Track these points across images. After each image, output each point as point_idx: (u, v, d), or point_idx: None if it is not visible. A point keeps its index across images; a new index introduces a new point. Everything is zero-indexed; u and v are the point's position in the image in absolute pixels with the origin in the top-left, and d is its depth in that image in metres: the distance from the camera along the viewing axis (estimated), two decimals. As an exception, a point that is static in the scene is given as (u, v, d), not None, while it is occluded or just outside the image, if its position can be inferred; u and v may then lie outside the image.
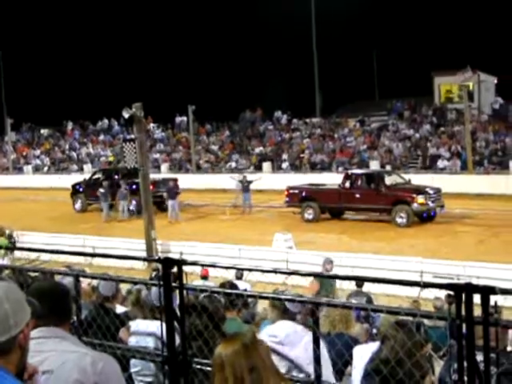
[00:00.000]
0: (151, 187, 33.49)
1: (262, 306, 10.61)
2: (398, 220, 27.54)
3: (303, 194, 30.46)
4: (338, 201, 29.27)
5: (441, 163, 39.00)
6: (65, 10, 63.39)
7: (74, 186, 37.58)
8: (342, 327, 6.03)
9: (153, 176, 36.71)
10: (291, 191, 30.86)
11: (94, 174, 38.92)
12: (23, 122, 60.87)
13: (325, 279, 11.74)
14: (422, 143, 41.58)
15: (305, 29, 51.34)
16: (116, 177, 35.95)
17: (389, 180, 29.42)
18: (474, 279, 13.39)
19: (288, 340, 4.76)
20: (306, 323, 5.17)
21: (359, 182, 29.36)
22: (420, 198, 27.59)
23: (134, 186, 31.94)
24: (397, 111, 47.33)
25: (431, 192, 28.24)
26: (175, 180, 35.03)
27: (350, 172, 31.64)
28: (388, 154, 41.13)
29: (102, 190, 33.57)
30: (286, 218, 30.45)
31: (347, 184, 29.50)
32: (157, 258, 4.65)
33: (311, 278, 11.17)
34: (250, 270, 5.10)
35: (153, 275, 11.28)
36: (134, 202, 32.92)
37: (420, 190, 28.30)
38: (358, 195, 28.83)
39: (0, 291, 2.29)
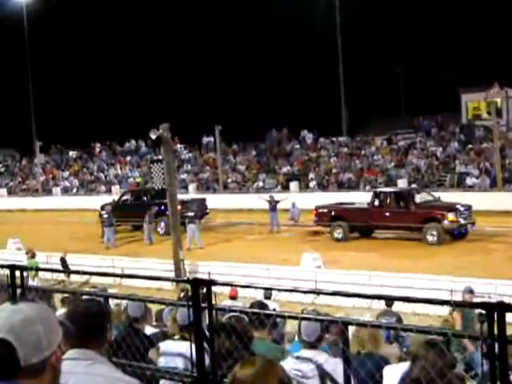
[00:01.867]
0: (179, 207, 33.70)
1: (291, 326, 10.60)
2: (429, 238, 27.25)
3: (332, 213, 30.34)
4: (367, 219, 29.07)
5: (469, 181, 38.69)
6: (93, 33, 64.20)
7: (102, 208, 37.86)
8: (372, 347, 5.99)
9: (181, 196, 37.04)
10: (320, 210, 30.78)
11: (123, 195, 39.16)
12: (52, 144, 61.56)
13: (466, 310, 10.92)
14: (450, 161, 41.32)
15: (330, 47, 51.43)
16: (145, 198, 36.12)
17: (418, 198, 29.23)
18: (505, 298, 13.20)
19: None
20: (336, 343, 5.14)
21: (388, 201, 29.20)
22: (451, 216, 27.34)
23: (163, 207, 31.96)
24: (424, 129, 47.12)
25: (462, 209, 28.02)
26: (203, 200, 35.13)
27: (378, 190, 31.56)
28: (416, 172, 40.91)
29: (104, 215, 32.91)
30: (314, 237, 30.38)
31: (376, 202, 29.41)
32: (186, 278, 4.66)
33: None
34: (280, 290, 5.09)
35: (181, 295, 11.31)
36: (162, 224, 33.01)
37: (451, 208, 28.06)
38: (387, 213, 28.63)
39: (33, 312, 2.31)
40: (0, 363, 2.24)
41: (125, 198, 37.88)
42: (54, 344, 2.34)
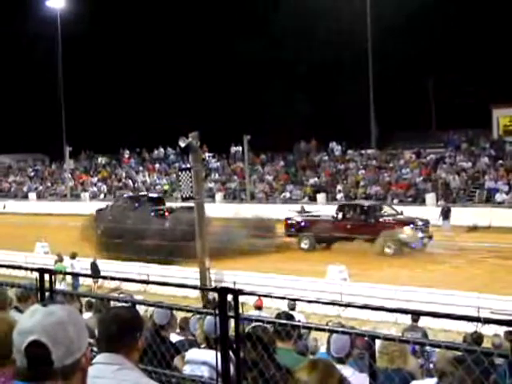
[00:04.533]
0: (166, 214, 34.07)
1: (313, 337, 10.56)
2: (387, 250, 28.33)
3: (300, 224, 32.10)
4: (331, 231, 30.58)
5: (499, 197, 38.34)
6: (123, 40, 64.69)
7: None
8: (400, 362, 5.94)
9: (169, 204, 37.26)
10: (289, 222, 32.55)
11: (117, 200, 39.23)
12: (82, 149, 62.06)
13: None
14: (480, 176, 40.98)
15: (360, 57, 51.31)
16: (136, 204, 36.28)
17: (380, 212, 31.30)
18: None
19: None
20: (362, 357, 5.11)
21: (350, 214, 31.08)
22: (407, 230, 28.91)
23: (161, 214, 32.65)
24: (454, 143, 46.79)
25: (420, 223, 29.60)
26: (192, 208, 35.34)
27: (342, 204, 34.22)
28: (444, 187, 40.61)
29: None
30: (341, 249, 30.25)
31: (340, 215, 31.14)
32: (214, 287, 4.67)
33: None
34: (310, 301, 5.08)
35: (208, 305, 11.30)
36: None
37: (408, 222, 29.73)
38: (348, 226, 30.24)
39: (64, 314, 2.33)
40: (35, 365, 2.26)
41: (120, 203, 37.96)
42: (84, 346, 2.36)
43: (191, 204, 37.15)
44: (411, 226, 29.26)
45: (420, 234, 29.03)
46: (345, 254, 28.31)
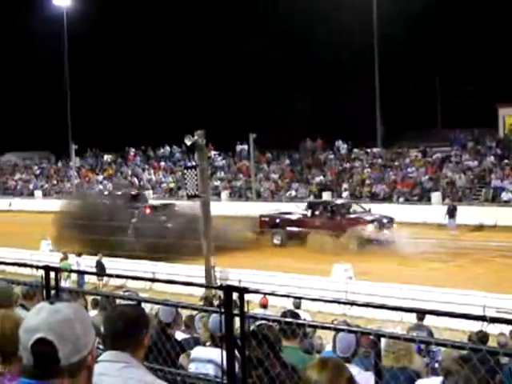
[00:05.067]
0: (148, 211, 34.51)
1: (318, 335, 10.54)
2: (351, 246, 29.51)
3: (273, 221, 33.57)
4: (301, 228, 32.27)
5: (505, 196, 38.26)
6: (129, 39, 64.73)
7: None
8: (407, 361, 5.93)
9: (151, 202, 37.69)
10: (263, 219, 33.90)
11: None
12: (87, 147, 62.13)
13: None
14: (486, 175, 40.88)
15: (366, 56, 51.21)
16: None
17: (347, 209, 32.90)
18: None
19: None
20: (367, 356, 5.10)
21: (319, 211, 32.76)
22: (370, 227, 30.68)
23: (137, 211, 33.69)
24: (460, 142, 46.68)
25: (385, 221, 31.33)
26: (173, 205, 35.76)
27: (311, 201, 36.41)
28: (450, 186, 40.53)
29: None
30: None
31: (309, 213, 32.99)
32: (219, 285, 4.67)
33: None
34: (314, 299, 5.08)
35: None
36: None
37: (371, 220, 31.34)
38: (317, 223, 31.89)
39: (71, 312, 2.33)
40: (42, 362, 2.26)
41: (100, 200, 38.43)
42: (90, 344, 2.36)
43: (172, 201, 38.04)
44: (375, 223, 30.92)
45: (384, 231, 30.53)
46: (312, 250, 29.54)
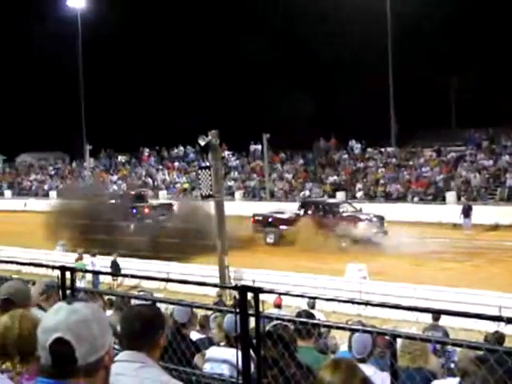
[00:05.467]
0: (146, 211, 34.87)
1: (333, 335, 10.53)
2: (342, 244, 30.09)
3: (266, 220, 34.11)
4: (293, 226, 32.65)
5: (520, 195, 38.09)
6: (143, 40, 64.91)
7: None
8: (422, 362, 5.91)
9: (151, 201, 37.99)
10: (256, 218, 34.55)
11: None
12: (102, 148, 62.37)
13: None
14: (501, 174, 40.66)
15: (380, 55, 51.09)
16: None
17: (339, 209, 33.39)
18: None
19: None
20: (382, 356, 5.08)
21: (311, 210, 33.36)
22: (361, 225, 31.20)
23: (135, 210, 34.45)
24: (474, 141, 46.48)
25: (375, 220, 31.80)
26: (171, 205, 36.03)
27: (303, 201, 37.10)
28: (465, 185, 40.35)
29: None
30: (363, 248, 30.16)
31: (301, 212, 33.55)
32: (234, 285, 4.67)
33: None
34: (329, 299, 5.07)
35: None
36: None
37: (362, 218, 31.96)
38: (309, 221, 32.25)
39: (88, 312, 2.34)
40: (59, 362, 2.27)
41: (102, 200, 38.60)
42: (107, 344, 2.37)
43: (171, 202, 38.31)
44: (365, 222, 31.51)
45: (374, 230, 30.96)
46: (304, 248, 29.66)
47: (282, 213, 34.74)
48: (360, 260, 25.02)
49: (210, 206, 30.03)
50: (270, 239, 33.29)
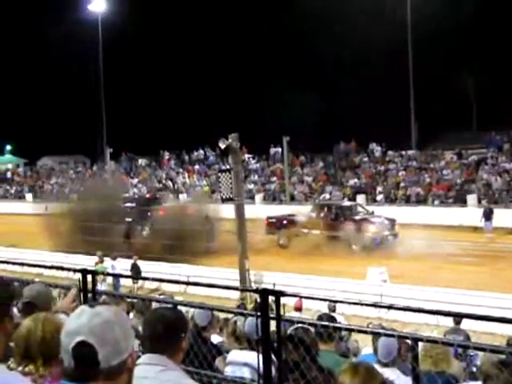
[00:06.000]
0: (161, 213, 35.14)
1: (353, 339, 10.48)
2: (354, 246, 30.79)
3: (279, 222, 34.52)
4: (306, 229, 33.06)
5: (542, 198, 37.75)
6: (164, 43, 65.18)
7: None
8: (445, 366, 5.87)
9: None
10: (270, 220, 35.01)
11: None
12: (122, 151, 62.66)
13: None
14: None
15: (401, 58, 50.91)
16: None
17: (351, 211, 33.70)
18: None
19: None
20: (404, 359, 5.06)
21: (323, 213, 33.60)
22: (372, 228, 31.57)
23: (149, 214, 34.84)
24: (496, 144, 46.15)
25: (386, 222, 31.98)
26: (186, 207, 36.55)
27: (316, 203, 37.60)
28: (486, 188, 40.08)
29: None
30: (376, 251, 30.03)
31: (314, 214, 33.94)
32: (255, 288, 4.66)
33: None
34: (351, 303, 5.05)
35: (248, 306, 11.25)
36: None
37: (374, 221, 32.27)
38: (321, 224, 32.81)
39: (111, 315, 2.35)
40: (82, 365, 2.28)
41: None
42: (130, 347, 2.38)
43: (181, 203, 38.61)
44: (376, 224, 31.82)
45: (385, 232, 31.35)
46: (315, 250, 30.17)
47: (295, 215, 35.08)
48: (376, 263, 25.00)
49: (217, 209, 30.87)
50: (283, 241, 33.60)
